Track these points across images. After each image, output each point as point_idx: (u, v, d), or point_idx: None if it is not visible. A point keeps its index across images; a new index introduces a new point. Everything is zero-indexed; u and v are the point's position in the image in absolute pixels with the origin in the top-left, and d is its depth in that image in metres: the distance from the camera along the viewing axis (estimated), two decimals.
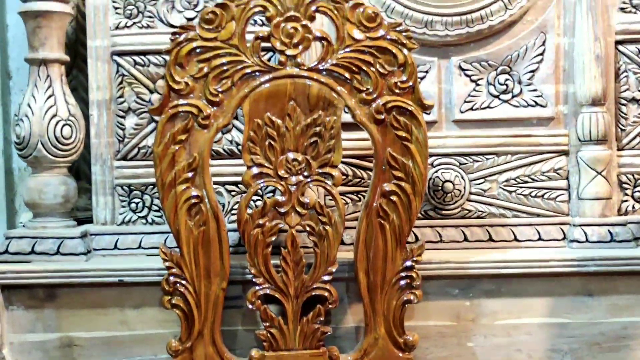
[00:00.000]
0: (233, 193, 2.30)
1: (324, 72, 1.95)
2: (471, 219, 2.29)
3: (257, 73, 1.95)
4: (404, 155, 1.96)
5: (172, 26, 2.28)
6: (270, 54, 2.18)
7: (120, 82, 2.30)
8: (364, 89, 1.95)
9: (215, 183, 2.21)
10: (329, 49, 1.95)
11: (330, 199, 2.03)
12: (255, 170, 1.96)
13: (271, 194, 2.20)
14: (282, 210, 1.97)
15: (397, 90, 1.95)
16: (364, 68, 1.95)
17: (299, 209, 1.97)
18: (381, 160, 1.97)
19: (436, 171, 2.29)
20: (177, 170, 1.94)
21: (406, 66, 1.95)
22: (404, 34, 1.95)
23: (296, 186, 1.96)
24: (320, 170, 1.97)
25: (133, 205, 2.31)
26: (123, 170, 2.30)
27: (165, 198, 1.95)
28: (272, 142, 1.95)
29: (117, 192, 2.31)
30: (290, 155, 1.96)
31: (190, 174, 1.95)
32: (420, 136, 1.96)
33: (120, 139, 2.30)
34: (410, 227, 1.98)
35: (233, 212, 2.29)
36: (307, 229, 1.98)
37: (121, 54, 2.29)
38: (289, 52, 1.95)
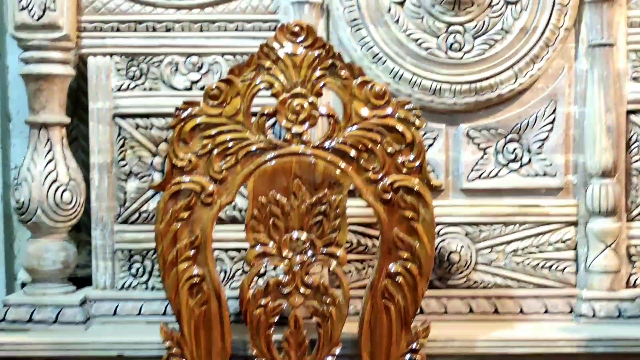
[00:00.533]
0: (235, 259, 2.27)
1: (330, 150, 1.91)
2: (477, 289, 2.26)
3: (262, 150, 1.91)
4: (411, 235, 1.93)
5: (176, 89, 2.25)
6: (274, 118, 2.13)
7: (122, 145, 2.26)
8: (371, 167, 1.91)
9: (217, 249, 2.18)
10: (335, 127, 1.91)
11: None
12: (258, 249, 1.93)
13: (273, 269, 2.16)
14: (286, 290, 1.93)
15: (404, 170, 1.92)
16: (371, 146, 1.91)
17: (302, 289, 1.93)
18: (387, 240, 1.93)
19: (442, 240, 2.25)
20: (178, 249, 1.91)
21: (414, 145, 1.91)
22: (412, 112, 1.91)
23: (300, 266, 1.92)
24: (324, 250, 1.93)
25: (133, 270, 2.27)
26: (124, 235, 2.26)
27: (167, 276, 1.91)
28: (276, 221, 1.92)
29: (117, 256, 2.27)
30: (295, 235, 1.92)
31: (192, 252, 1.91)
32: (427, 216, 1.93)
33: (121, 202, 2.26)
34: (416, 308, 1.94)
35: (235, 278, 2.26)
36: (311, 309, 1.94)
37: (123, 116, 2.25)
38: (295, 129, 1.91)
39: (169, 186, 1.90)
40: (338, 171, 1.91)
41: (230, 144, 1.90)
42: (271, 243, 1.92)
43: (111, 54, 2.25)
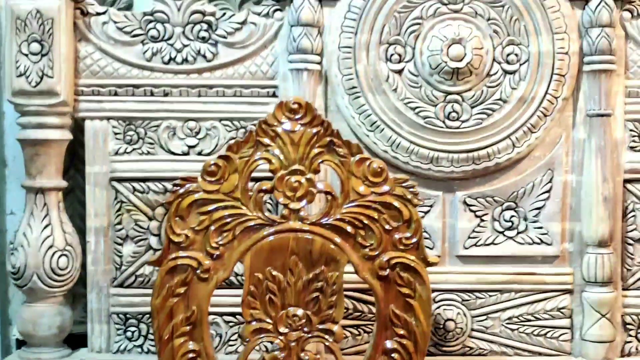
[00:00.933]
0: (231, 324, 2.27)
1: (328, 227, 1.90)
2: (472, 357, 2.26)
3: (260, 226, 1.90)
4: (407, 312, 1.92)
5: (173, 153, 2.25)
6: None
7: (119, 209, 2.26)
8: (368, 244, 1.91)
9: (213, 313, 2.18)
10: (333, 203, 1.91)
11: None
12: (254, 325, 1.92)
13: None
14: None
15: (401, 246, 1.91)
16: (369, 223, 1.90)
17: None
18: (383, 316, 1.93)
19: (438, 307, 2.25)
20: (174, 324, 1.90)
21: (411, 222, 1.91)
22: (409, 189, 1.91)
23: (296, 342, 1.92)
24: (321, 326, 1.92)
25: (129, 333, 2.27)
26: (119, 298, 2.27)
27: (162, 351, 1.90)
28: (273, 297, 1.91)
29: (113, 320, 2.27)
30: (291, 311, 1.92)
31: (188, 328, 1.91)
32: (423, 293, 1.92)
33: (117, 266, 2.26)
34: None
35: (230, 342, 2.26)
36: None
37: (120, 180, 2.25)
38: (292, 205, 1.90)
39: (166, 262, 1.89)
40: (335, 248, 1.91)
41: (227, 220, 1.89)
42: (267, 319, 1.92)
43: (108, 118, 2.25)
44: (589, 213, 2.21)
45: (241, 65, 2.24)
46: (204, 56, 2.24)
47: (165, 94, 2.24)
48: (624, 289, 2.27)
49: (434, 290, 2.15)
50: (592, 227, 2.20)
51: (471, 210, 2.26)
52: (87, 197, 2.26)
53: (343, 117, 2.22)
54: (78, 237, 2.26)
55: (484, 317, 2.27)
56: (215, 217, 1.90)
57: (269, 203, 2.20)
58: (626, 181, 2.25)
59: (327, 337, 1.93)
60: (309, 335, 1.92)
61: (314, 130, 1.90)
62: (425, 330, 1.93)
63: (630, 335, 2.28)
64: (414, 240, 1.91)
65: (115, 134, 2.25)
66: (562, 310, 2.26)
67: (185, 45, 2.23)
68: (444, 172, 2.22)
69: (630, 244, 2.26)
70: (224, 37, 2.23)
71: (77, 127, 2.33)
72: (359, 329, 2.27)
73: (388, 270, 1.91)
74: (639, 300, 2.27)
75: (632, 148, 2.25)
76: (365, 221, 1.91)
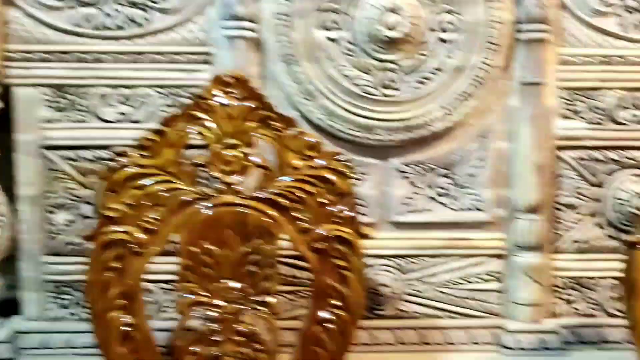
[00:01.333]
0: (165, 290, 2.27)
1: (263, 201, 1.90)
2: (405, 320, 2.31)
3: (194, 200, 1.90)
4: (342, 283, 1.94)
5: (105, 121, 2.21)
6: None
7: (51, 177, 2.22)
8: (304, 217, 1.92)
9: (148, 281, 2.17)
10: (268, 177, 1.90)
11: None
12: (190, 298, 1.93)
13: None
14: (218, 338, 1.94)
15: (336, 219, 1.92)
16: (304, 197, 1.91)
17: (234, 337, 1.94)
18: (319, 287, 1.94)
19: (373, 272, 2.28)
20: (109, 298, 1.89)
21: (346, 195, 1.92)
22: (344, 163, 1.91)
23: (232, 314, 1.93)
24: (256, 299, 1.94)
25: (64, 301, 2.26)
26: (53, 267, 2.24)
27: (98, 325, 1.90)
28: (208, 271, 1.91)
29: (47, 288, 2.25)
30: (227, 283, 1.93)
31: (123, 301, 1.90)
32: (358, 265, 1.94)
33: (51, 234, 2.23)
34: (345, 354, 1.97)
35: (165, 309, 2.27)
36: (242, 356, 1.96)
37: (52, 148, 2.21)
38: (227, 179, 1.90)
39: (100, 236, 1.88)
40: (270, 221, 1.91)
41: (161, 195, 1.88)
42: (203, 292, 1.92)
43: (38, 85, 2.20)
44: (520, 180, 2.25)
45: (174, 32, 2.20)
46: (136, 22, 2.19)
47: (97, 61, 2.19)
48: (553, 253, 2.32)
49: (368, 256, 2.17)
50: (524, 193, 2.25)
51: (406, 178, 2.28)
52: (18, 166, 2.21)
53: (279, 84, 2.21)
54: (10, 204, 2.22)
55: (418, 282, 2.31)
56: (149, 192, 1.88)
57: (204, 173, 2.17)
58: (558, 148, 2.29)
59: (263, 309, 1.95)
60: (245, 307, 1.94)
61: (250, 104, 1.89)
62: (360, 300, 1.95)
63: (557, 297, 2.34)
64: (349, 213, 1.92)
65: (46, 101, 2.20)
66: (493, 274, 2.32)
67: (116, 11, 2.18)
68: (380, 140, 2.23)
69: (560, 210, 2.31)
70: (156, 2, 2.18)
71: (7, 93, 2.28)
72: (295, 294, 2.29)
73: (323, 243, 1.92)
74: (567, 264, 2.33)
75: (564, 116, 2.28)
76: (301, 195, 1.91)
